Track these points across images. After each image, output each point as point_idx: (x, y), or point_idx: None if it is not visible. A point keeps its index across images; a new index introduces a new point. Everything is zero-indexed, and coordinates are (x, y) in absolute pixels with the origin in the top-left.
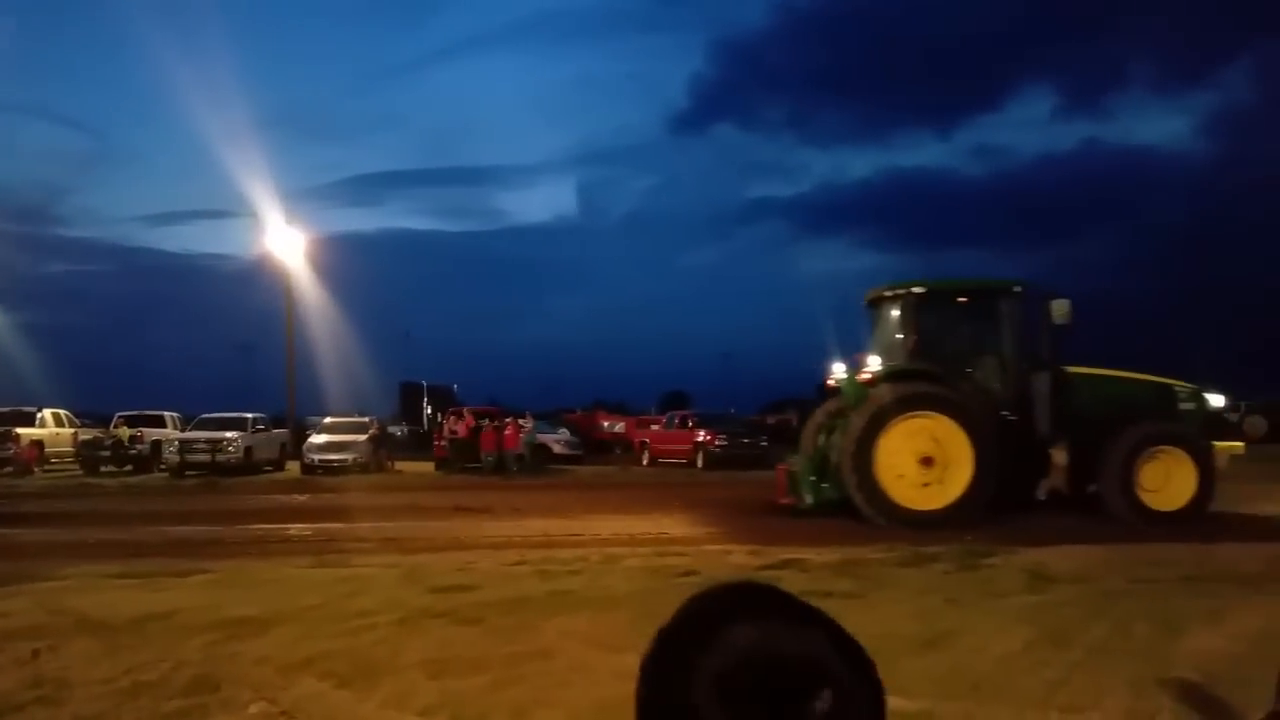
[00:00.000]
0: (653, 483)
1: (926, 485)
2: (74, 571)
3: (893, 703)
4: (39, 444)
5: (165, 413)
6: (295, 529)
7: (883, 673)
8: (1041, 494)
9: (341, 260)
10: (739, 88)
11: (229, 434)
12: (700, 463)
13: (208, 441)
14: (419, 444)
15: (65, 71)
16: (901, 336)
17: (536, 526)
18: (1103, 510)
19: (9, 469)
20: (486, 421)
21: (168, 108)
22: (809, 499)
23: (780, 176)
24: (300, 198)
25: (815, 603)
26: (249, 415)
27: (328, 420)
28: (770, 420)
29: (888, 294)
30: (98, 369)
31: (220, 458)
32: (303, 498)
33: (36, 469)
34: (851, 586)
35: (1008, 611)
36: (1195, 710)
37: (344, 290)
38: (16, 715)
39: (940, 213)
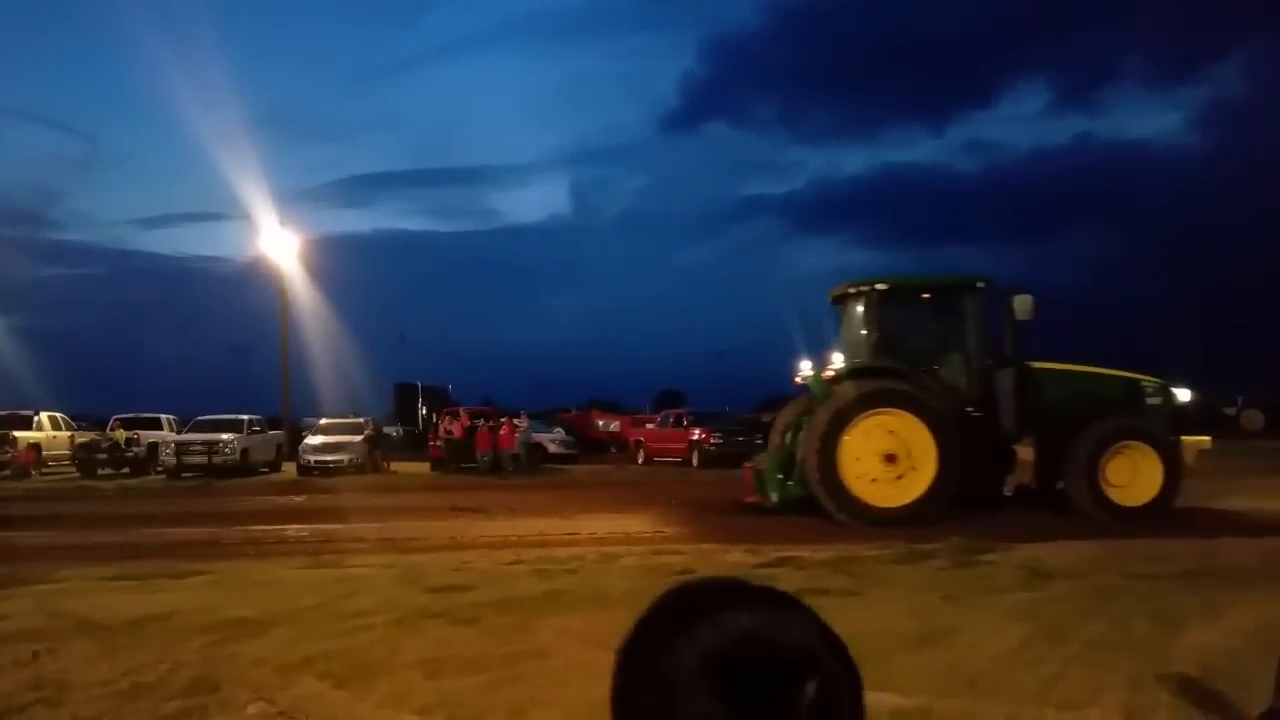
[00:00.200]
0: (648, 481)
1: (891, 481)
2: (72, 574)
3: (890, 700)
4: (36, 447)
5: (161, 415)
6: (292, 530)
7: (880, 669)
8: (1008, 490)
9: (335, 261)
10: (731, 86)
11: (225, 436)
12: (695, 461)
13: (204, 443)
14: (414, 444)
15: (55, 74)
16: (865, 333)
17: (532, 526)
18: (1070, 507)
19: (6, 472)
20: (482, 421)
21: (159, 110)
22: (775, 497)
23: (773, 174)
24: (293, 199)
25: (811, 600)
26: (245, 417)
27: (323, 421)
28: (765, 418)
29: (851, 291)
30: (93, 372)
31: (216, 459)
32: (299, 499)
33: (34, 472)
34: (848, 584)
35: (1004, 608)
36: (1193, 706)
37: (338, 291)
38: (17, 717)
39: (933, 209)
